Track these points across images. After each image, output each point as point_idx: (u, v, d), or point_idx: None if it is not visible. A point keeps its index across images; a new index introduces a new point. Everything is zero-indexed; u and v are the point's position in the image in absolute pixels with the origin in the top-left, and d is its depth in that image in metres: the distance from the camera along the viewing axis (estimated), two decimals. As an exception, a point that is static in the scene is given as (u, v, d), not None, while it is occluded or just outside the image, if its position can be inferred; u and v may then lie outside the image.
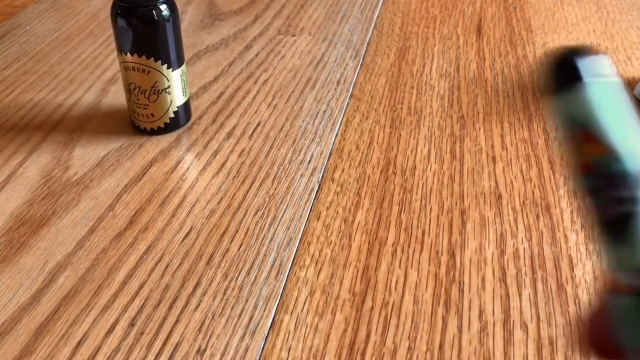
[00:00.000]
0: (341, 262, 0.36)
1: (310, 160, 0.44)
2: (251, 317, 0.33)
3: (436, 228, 0.38)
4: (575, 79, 0.17)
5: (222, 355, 0.31)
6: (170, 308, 0.33)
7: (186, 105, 0.47)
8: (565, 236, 0.38)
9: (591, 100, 0.17)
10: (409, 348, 0.31)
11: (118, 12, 0.43)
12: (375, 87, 0.53)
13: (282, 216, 0.39)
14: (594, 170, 0.17)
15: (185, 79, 0.47)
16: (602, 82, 0.17)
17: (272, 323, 0.33)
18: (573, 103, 0.17)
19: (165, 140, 0.46)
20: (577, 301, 0.34)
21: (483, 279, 0.35)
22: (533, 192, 0.41)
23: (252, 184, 0.42)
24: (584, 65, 0.17)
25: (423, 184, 0.42)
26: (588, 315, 0.20)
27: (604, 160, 0.17)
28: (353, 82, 0.53)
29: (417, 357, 0.31)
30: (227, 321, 0.33)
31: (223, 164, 0.44)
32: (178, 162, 0.44)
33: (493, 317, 0.33)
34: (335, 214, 0.39)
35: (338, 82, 0.53)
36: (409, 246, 0.37)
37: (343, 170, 0.43)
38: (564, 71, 0.17)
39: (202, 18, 0.65)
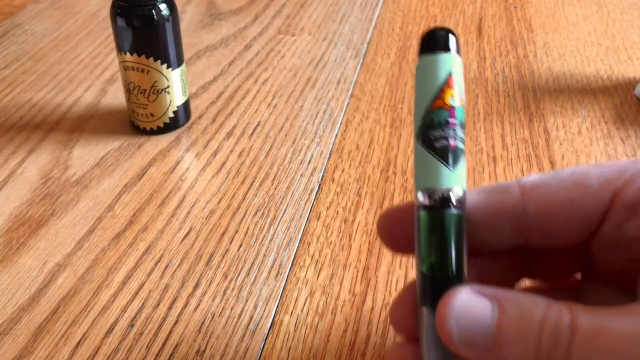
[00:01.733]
0: (341, 262, 0.36)
1: (310, 160, 0.44)
2: (251, 318, 0.33)
3: (437, 228, 0.38)
4: (444, 48, 0.22)
5: (222, 355, 0.31)
6: (169, 308, 0.33)
7: (186, 105, 0.47)
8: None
9: (454, 63, 0.22)
10: (410, 349, 0.31)
11: (117, 11, 0.43)
12: (375, 87, 0.53)
13: (282, 216, 0.39)
14: (451, 110, 0.22)
15: (185, 79, 0.46)
16: (457, 56, 0.23)
17: (272, 323, 0.32)
18: (445, 60, 0.22)
19: (164, 140, 0.46)
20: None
21: (484, 280, 0.35)
22: (534, 192, 0.41)
23: (252, 184, 0.42)
24: (450, 40, 0.22)
25: (423, 184, 0.41)
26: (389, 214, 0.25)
27: (459, 107, 0.22)
28: (353, 81, 0.53)
29: (418, 357, 0.31)
30: (226, 321, 0.33)
31: (223, 164, 0.44)
32: (177, 162, 0.44)
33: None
34: (335, 214, 0.39)
35: (338, 82, 0.53)
36: (409, 246, 0.37)
37: (343, 170, 0.43)
38: (438, 39, 0.22)
39: (202, 17, 0.65)
